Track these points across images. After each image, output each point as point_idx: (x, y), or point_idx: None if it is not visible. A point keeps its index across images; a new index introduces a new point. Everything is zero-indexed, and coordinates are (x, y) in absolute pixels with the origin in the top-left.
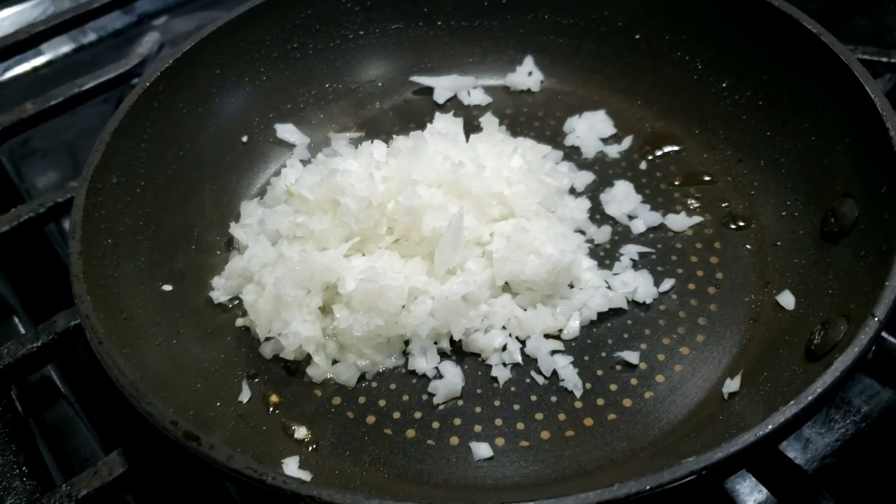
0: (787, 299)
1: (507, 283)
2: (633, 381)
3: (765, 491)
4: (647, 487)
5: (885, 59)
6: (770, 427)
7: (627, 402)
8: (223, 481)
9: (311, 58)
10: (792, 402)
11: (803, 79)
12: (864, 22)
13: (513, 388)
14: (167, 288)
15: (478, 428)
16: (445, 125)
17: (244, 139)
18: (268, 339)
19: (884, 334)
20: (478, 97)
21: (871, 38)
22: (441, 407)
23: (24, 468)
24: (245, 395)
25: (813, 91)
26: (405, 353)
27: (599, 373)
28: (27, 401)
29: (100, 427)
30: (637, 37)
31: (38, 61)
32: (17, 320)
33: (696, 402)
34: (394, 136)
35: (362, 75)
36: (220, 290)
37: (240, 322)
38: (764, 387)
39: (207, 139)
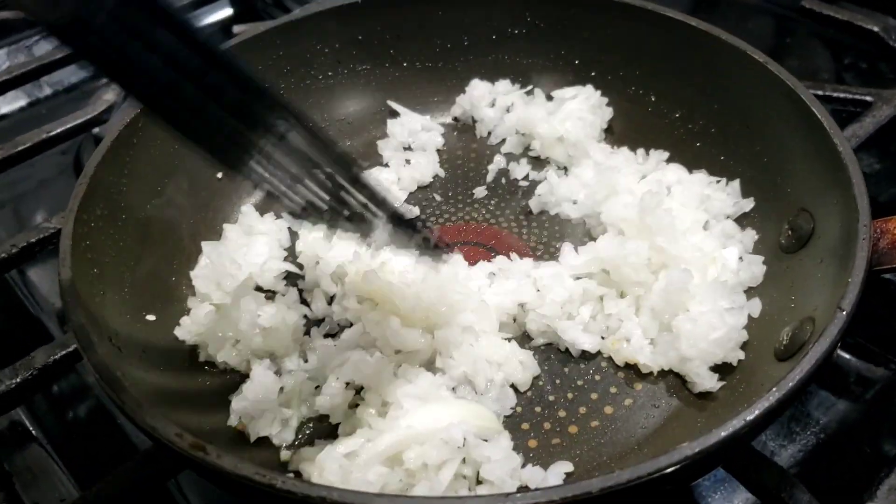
0: (753, 307)
1: None
2: (613, 390)
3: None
4: (625, 480)
5: (820, 92)
6: (748, 419)
7: (609, 410)
8: (227, 493)
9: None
10: (774, 390)
11: (752, 105)
12: (795, 63)
13: None
14: (150, 318)
15: None
16: None
17: (219, 175)
18: None
19: (837, 350)
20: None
21: (803, 77)
22: None
23: None
24: (234, 420)
25: (762, 116)
26: None
27: (580, 382)
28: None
29: (74, 469)
30: (593, 73)
31: None
32: None
33: (675, 406)
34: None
35: (333, 113)
36: (186, 330)
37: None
38: (738, 388)
39: (184, 175)
